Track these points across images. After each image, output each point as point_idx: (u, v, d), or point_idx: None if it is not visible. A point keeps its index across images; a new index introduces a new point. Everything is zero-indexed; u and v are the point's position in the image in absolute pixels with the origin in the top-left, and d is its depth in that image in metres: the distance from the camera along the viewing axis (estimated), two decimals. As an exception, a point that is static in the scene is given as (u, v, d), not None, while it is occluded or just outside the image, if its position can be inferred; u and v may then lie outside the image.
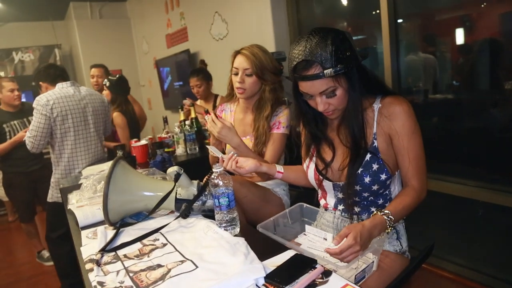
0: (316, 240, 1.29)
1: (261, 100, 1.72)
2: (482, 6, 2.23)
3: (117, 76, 3.20)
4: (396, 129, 1.15)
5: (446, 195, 2.19)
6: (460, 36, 2.37)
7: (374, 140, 1.18)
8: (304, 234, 1.34)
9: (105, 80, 3.18)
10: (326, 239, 1.26)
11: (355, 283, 1.04)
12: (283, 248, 1.03)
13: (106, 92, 3.19)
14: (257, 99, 1.74)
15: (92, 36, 5.76)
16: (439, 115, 2.50)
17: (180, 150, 2.54)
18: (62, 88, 2.36)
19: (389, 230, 1.09)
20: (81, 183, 1.99)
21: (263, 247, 1.06)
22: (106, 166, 2.34)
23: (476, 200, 2.10)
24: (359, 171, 1.17)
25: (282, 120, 1.70)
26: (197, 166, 1.76)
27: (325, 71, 1.07)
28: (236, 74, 1.68)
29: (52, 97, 2.27)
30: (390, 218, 1.09)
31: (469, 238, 2.32)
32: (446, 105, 2.47)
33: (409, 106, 1.15)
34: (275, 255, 0.99)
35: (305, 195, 1.72)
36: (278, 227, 1.33)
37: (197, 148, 2.54)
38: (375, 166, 1.16)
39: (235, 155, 1.36)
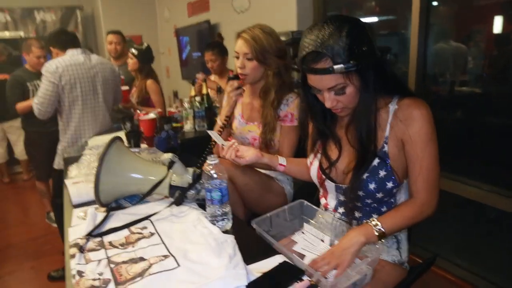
0: (313, 240, 1.23)
1: (266, 86, 1.62)
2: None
3: (145, 45, 3.16)
4: (410, 135, 1.05)
5: (461, 197, 2.08)
6: (498, 25, 2.18)
7: (385, 145, 1.09)
8: (302, 232, 1.28)
9: (132, 49, 3.15)
10: (323, 241, 1.20)
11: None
12: (272, 251, 0.98)
13: (133, 61, 3.16)
14: (263, 84, 1.64)
15: (114, 0, 5.68)
16: (463, 109, 2.35)
17: (188, 126, 2.49)
18: (72, 56, 2.32)
19: (381, 242, 1.03)
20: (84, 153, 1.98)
21: (253, 248, 1.02)
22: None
23: (490, 205, 2.00)
24: (365, 177, 1.09)
25: (294, 111, 1.60)
26: (204, 144, 1.70)
27: (335, 67, 0.97)
28: (238, 58, 1.60)
29: (61, 64, 2.23)
30: (377, 226, 1.02)
31: (479, 241, 2.23)
32: (472, 99, 2.31)
33: (429, 111, 1.05)
34: (263, 259, 0.95)
35: (309, 186, 1.67)
36: (275, 222, 1.27)
37: (205, 126, 2.48)
38: (382, 173, 1.08)
39: (236, 143, 1.30)
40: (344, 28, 0.97)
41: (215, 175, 1.07)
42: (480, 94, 2.28)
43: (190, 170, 1.25)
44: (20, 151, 4.50)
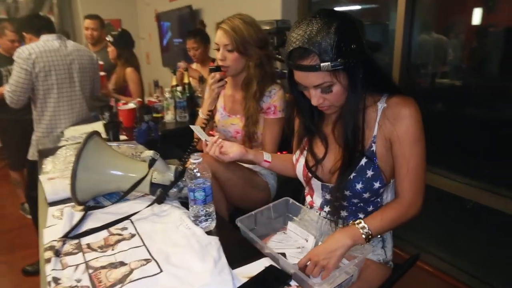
0: (297, 239, 1.21)
1: (247, 77, 1.57)
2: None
3: (119, 30, 3.03)
4: (398, 134, 1.03)
5: (439, 190, 2.10)
6: (477, 17, 2.18)
7: (373, 144, 1.06)
8: (284, 232, 1.26)
9: (108, 36, 3.04)
10: (307, 240, 1.19)
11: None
12: (258, 254, 0.96)
13: (111, 49, 3.06)
14: (245, 76, 1.59)
15: (91, -19, 5.45)
16: (443, 101, 2.37)
17: (169, 117, 2.42)
18: (47, 41, 2.20)
19: (366, 244, 1.02)
20: (60, 145, 1.90)
21: (237, 250, 0.99)
22: (90, 128, 2.23)
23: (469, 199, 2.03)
24: (352, 176, 1.07)
25: (277, 103, 1.57)
26: (185, 136, 1.65)
27: (322, 64, 0.94)
28: (218, 50, 1.55)
29: (35, 50, 2.11)
30: (365, 229, 1.02)
31: (457, 233, 2.28)
32: (452, 91, 2.32)
33: (418, 110, 1.03)
34: (248, 262, 0.92)
35: (294, 182, 1.66)
36: (260, 220, 1.25)
37: (187, 116, 2.42)
38: (369, 173, 1.06)
39: (220, 139, 1.25)
40: (333, 24, 0.93)
41: (198, 174, 1.03)
42: (459, 86, 2.29)
43: (172, 167, 1.20)
44: None
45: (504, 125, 2.03)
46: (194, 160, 1.03)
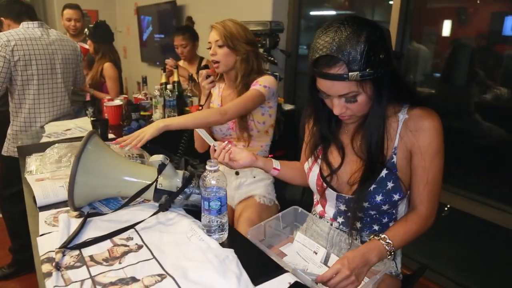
0: (306, 251, 1.16)
1: (234, 72, 1.64)
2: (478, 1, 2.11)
3: (95, 22, 2.90)
4: (420, 146, 1.01)
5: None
6: (447, 28, 2.25)
7: (394, 155, 1.03)
8: (291, 243, 1.21)
9: (86, 29, 2.92)
10: (316, 253, 1.14)
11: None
12: (278, 269, 0.90)
13: (89, 42, 2.93)
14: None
15: (67, -32, 5.19)
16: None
17: (157, 115, 2.31)
18: (28, 29, 2.05)
19: (387, 260, 0.99)
20: (42, 142, 1.77)
21: (256, 264, 0.92)
22: (73, 124, 2.10)
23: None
24: (372, 188, 1.03)
25: (260, 79, 1.59)
26: (174, 136, 1.57)
27: (350, 74, 0.90)
28: (210, 48, 1.63)
29: (14, 37, 1.96)
30: (389, 243, 0.99)
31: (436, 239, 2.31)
32: (429, 100, 2.36)
33: (440, 122, 1.01)
34: (270, 278, 0.86)
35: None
36: (268, 231, 1.19)
37: (176, 115, 2.32)
38: (389, 185, 1.03)
39: (229, 146, 1.19)
40: (363, 32, 0.89)
41: (214, 182, 0.96)
42: (434, 94, 2.34)
43: (180, 173, 1.12)
44: None
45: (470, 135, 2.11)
46: (210, 167, 0.96)
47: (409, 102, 1.06)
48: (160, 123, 1.33)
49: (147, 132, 1.29)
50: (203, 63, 2.89)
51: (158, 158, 1.06)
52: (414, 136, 1.02)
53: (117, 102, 2.22)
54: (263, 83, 1.57)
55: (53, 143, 1.69)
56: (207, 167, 0.96)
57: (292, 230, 1.27)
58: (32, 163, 1.46)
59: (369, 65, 0.90)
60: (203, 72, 1.67)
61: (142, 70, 4.92)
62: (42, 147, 1.63)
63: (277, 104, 1.70)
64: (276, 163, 1.26)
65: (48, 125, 2.07)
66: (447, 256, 2.29)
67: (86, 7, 4.82)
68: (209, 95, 1.72)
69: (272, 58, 2.61)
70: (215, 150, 1.19)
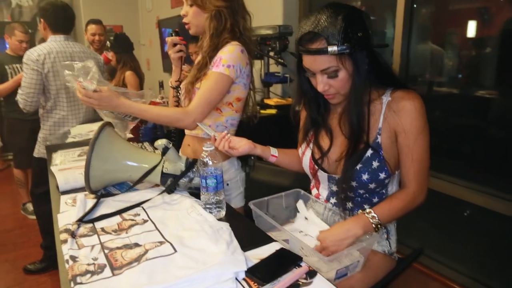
0: (308, 225, 1.24)
1: (202, 31, 1.46)
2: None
3: (115, 34, 3.11)
4: (403, 126, 1.08)
5: (440, 193, 2.15)
6: (473, 29, 2.26)
7: (378, 136, 1.11)
8: (292, 221, 1.29)
9: (107, 42, 3.13)
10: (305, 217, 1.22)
11: (336, 278, 1.02)
12: (268, 239, 0.99)
13: (110, 54, 3.14)
14: None
15: (94, -13, 5.52)
16: (441, 109, 2.43)
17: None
18: (55, 42, 2.24)
19: (375, 232, 1.06)
20: (68, 142, 1.94)
21: (248, 236, 1.02)
22: (96, 126, 2.26)
23: (469, 202, 2.06)
24: (358, 167, 1.10)
25: (223, 56, 1.38)
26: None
27: (329, 48, 0.99)
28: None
29: (43, 51, 2.15)
30: (373, 217, 1.06)
31: (455, 237, 2.31)
32: (450, 100, 2.39)
33: (421, 103, 1.08)
34: (259, 246, 0.95)
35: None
36: (271, 207, 1.28)
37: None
38: (375, 164, 1.10)
39: (228, 134, 1.28)
40: (341, 12, 1.00)
41: (210, 162, 1.06)
42: (456, 95, 2.36)
43: (183, 157, 1.24)
44: None
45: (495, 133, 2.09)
46: (206, 148, 1.07)
47: (392, 85, 1.13)
48: (124, 108, 1.32)
49: (100, 107, 1.30)
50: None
51: (162, 142, 1.18)
52: (397, 117, 1.09)
53: (139, 93, 2.38)
54: (226, 62, 1.37)
55: (77, 143, 1.86)
56: (203, 148, 1.07)
57: (294, 213, 1.35)
58: (58, 158, 1.62)
59: (346, 41, 0.99)
60: (169, 39, 1.51)
61: (164, 80, 5.13)
62: (67, 146, 1.80)
63: (250, 78, 1.50)
64: (274, 151, 1.35)
65: (74, 128, 2.24)
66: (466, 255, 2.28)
67: (111, 23, 5.12)
68: (180, 65, 1.56)
69: (282, 61, 2.71)
70: (215, 139, 1.28)
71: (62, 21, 2.29)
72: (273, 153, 1.34)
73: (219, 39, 1.41)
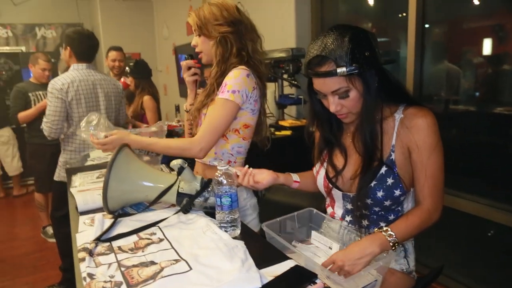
0: (321, 248, 1.23)
1: (210, 59, 1.47)
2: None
3: (135, 61, 3.22)
4: (416, 143, 1.08)
5: (458, 211, 2.10)
6: (489, 47, 2.26)
7: (392, 153, 1.11)
8: (310, 242, 1.28)
9: (127, 68, 3.26)
10: (331, 248, 1.20)
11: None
12: (283, 257, 0.98)
13: (129, 80, 3.23)
14: None
15: (114, 17, 5.75)
16: (458, 127, 2.40)
17: (189, 140, 2.50)
18: (77, 70, 2.33)
19: (392, 250, 1.04)
20: (87, 165, 1.99)
21: (263, 254, 1.02)
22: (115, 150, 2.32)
23: (488, 219, 2.01)
24: (372, 185, 1.10)
25: (228, 81, 1.37)
26: None
27: (338, 69, 1.01)
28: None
29: (66, 80, 2.25)
30: (390, 235, 1.04)
31: (477, 257, 2.24)
32: (467, 117, 2.36)
33: (434, 120, 1.08)
34: (274, 264, 0.95)
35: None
36: (284, 228, 1.27)
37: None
38: (389, 181, 1.10)
39: (251, 169, 1.27)
40: (347, 34, 1.02)
41: (224, 181, 1.08)
42: (473, 112, 2.34)
43: (199, 177, 1.25)
44: (9, 167, 4.49)
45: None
46: (220, 167, 1.09)
47: (404, 102, 1.14)
48: (135, 145, 1.38)
49: (114, 146, 1.34)
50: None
51: (177, 162, 1.21)
52: (410, 133, 1.09)
53: (153, 129, 2.43)
54: (231, 87, 1.35)
55: (96, 165, 1.91)
56: (218, 167, 1.09)
57: (308, 231, 1.34)
58: (77, 180, 1.66)
59: (354, 61, 1.01)
60: (184, 63, 1.54)
61: (180, 104, 5.24)
62: (86, 169, 1.85)
63: (259, 103, 1.46)
64: (295, 176, 1.34)
65: (93, 151, 2.30)
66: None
67: (130, 50, 5.30)
68: (195, 88, 1.60)
69: (296, 82, 2.75)
70: (237, 176, 1.26)
71: (88, 50, 2.38)
72: (295, 179, 1.33)
73: (226, 65, 1.41)
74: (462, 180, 2.20)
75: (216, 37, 1.40)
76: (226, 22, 1.40)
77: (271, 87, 2.97)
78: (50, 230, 3.37)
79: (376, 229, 1.09)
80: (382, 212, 1.16)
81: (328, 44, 1.02)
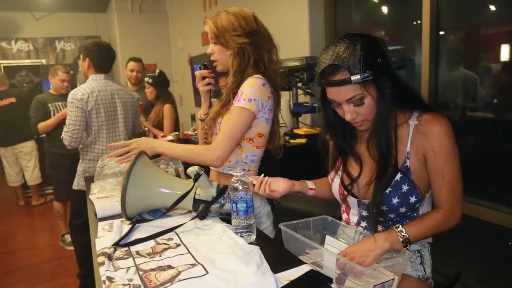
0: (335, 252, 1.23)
1: (227, 69, 1.48)
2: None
3: (157, 71, 3.27)
4: (432, 148, 1.08)
5: (478, 220, 2.07)
6: (506, 53, 2.24)
7: (407, 160, 1.11)
8: (324, 247, 1.28)
9: (146, 78, 3.25)
10: None
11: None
12: (298, 262, 0.99)
13: (149, 90, 3.25)
14: None
15: (130, 29, 5.90)
16: (476, 134, 2.37)
17: (205, 148, 2.53)
18: (96, 81, 2.39)
19: (405, 249, 1.05)
20: (105, 173, 2.02)
21: (278, 258, 1.02)
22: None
23: (510, 228, 1.97)
24: (388, 191, 1.10)
25: (244, 90, 1.37)
26: None
27: (352, 77, 1.02)
28: None
29: (86, 91, 2.31)
30: (402, 233, 1.05)
31: (497, 267, 2.18)
32: (485, 124, 2.33)
33: (449, 126, 1.08)
34: (289, 268, 0.95)
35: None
36: (300, 231, 1.27)
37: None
38: (405, 188, 1.10)
39: (266, 178, 1.27)
40: (358, 42, 1.03)
41: (240, 187, 1.09)
42: (491, 120, 2.31)
43: (215, 184, 1.27)
44: (29, 177, 4.59)
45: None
46: (236, 173, 1.10)
47: (419, 108, 1.14)
48: (158, 148, 1.41)
49: (142, 148, 1.37)
50: None
51: (193, 169, 1.23)
52: (426, 139, 1.09)
53: (170, 137, 2.48)
54: (247, 96, 1.36)
55: (114, 173, 1.95)
56: (233, 173, 1.11)
57: (322, 239, 1.34)
58: (96, 187, 1.70)
59: (368, 68, 1.02)
60: (198, 73, 1.56)
61: (196, 114, 5.31)
62: (104, 177, 1.88)
63: (273, 113, 1.47)
64: (310, 184, 1.34)
65: (111, 160, 2.35)
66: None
67: (146, 61, 5.38)
68: (209, 98, 1.62)
69: (310, 91, 2.76)
70: (253, 184, 1.27)
71: (105, 61, 2.45)
72: (310, 187, 1.34)
73: (242, 75, 1.41)
74: (482, 188, 2.17)
75: (233, 47, 1.41)
76: (244, 33, 1.40)
77: (285, 96, 2.99)
78: (68, 238, 3.42)
79: (390, 228, 1.09)
80: (398, 219, 1.16)
81: (341, 52, 1.03)
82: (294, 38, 3.25)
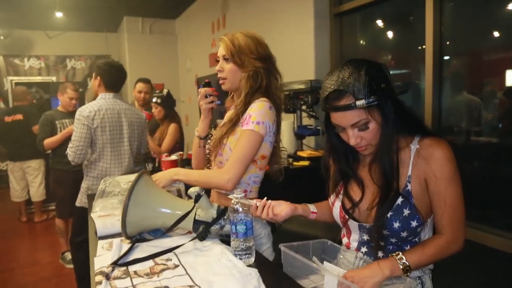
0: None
1: (239, 90, 1.48)
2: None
3: (165, 91, 3.27)
4: (434, 173, 1.08)
5: (481, 245, 2.03)
6: (510, 78, 2.25)
7: (408, 184, 1.11)
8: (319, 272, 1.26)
9: (154, 98, 3.24)
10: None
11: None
12: (297, 286, 0.98)
13: (157, 110, 3.24)
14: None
15: (140, 49, 6.03)
16: (480, 159, 2.36)
17: (209, 169, 2.54)
18: (104, 100, 2.43)
19: (405, 276, 1.04)
20: (107, 191, 2.03)
21: (276, 282, 1.01)
22: (134, 177, 2.37)
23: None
24: (389, 215, 1.10)
25: (253, 113, 1.39)
26: None
27: (357, 102, 1.03)
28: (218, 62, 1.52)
29: (93, 108, 2.35)
30: (402, 260, 1.04)
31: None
32: (489, 149, 2.33)
33: (450, 150, 1.08)
34: (287, 293, 0.94)
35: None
36: (299, 253, 1.26)
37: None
38: (406, 212, 1.09)
39: (269, 201, 1.26)
40: (362, 67, 1.05)
41: (240, 209, 1.10)
42: (495, 144, 2.30)
43: (215, 205, 1.27)
44: (34, 193, 4.61)
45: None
46: (236, 195, 1.11)
47: (420, 133, 1.15)
48: (173, 175, 1.44)
49: (161, 182, 1.41)
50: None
51: (195, 189, 1.23)
52: (427, 164, 1.09)
53: (173, 157, 2.49)
54: (256, 119, 1.38)
55: (116, 193, 1.95)
56: (233, 195, 1.11)
57: (321, 263, 1.32)
58: (97, 206, 1.70)
59: (372, 93, 1.03)
60: (202, 90, 1.56)
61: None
62: (107, 195, 1.89)
63: (275, 136, 1.50)
64: (312, 207, 1.33)
65: (114, 178, 2.36)
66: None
67: (154, 81, 5.45)
68: (211, 116, 1.62)
69: (314, 113, 2.78)
70: (257, 206, 1.25)
71: (116, 81, 2.50)
72: (312, 210, 1.33)
73: (252, 98, 1.44)
74: (485, 213, 2.14)
75: (249, 70, 1.43)
76: (259, 57, 1.44)
77: (290, 118, 3.01)
78: (68, 255, 3.41)
79: (390, 254, 1.08)
80: (399, 243, 1.15)
81: (345, 78, 1.05)
82: (300, 61, 3.30)
